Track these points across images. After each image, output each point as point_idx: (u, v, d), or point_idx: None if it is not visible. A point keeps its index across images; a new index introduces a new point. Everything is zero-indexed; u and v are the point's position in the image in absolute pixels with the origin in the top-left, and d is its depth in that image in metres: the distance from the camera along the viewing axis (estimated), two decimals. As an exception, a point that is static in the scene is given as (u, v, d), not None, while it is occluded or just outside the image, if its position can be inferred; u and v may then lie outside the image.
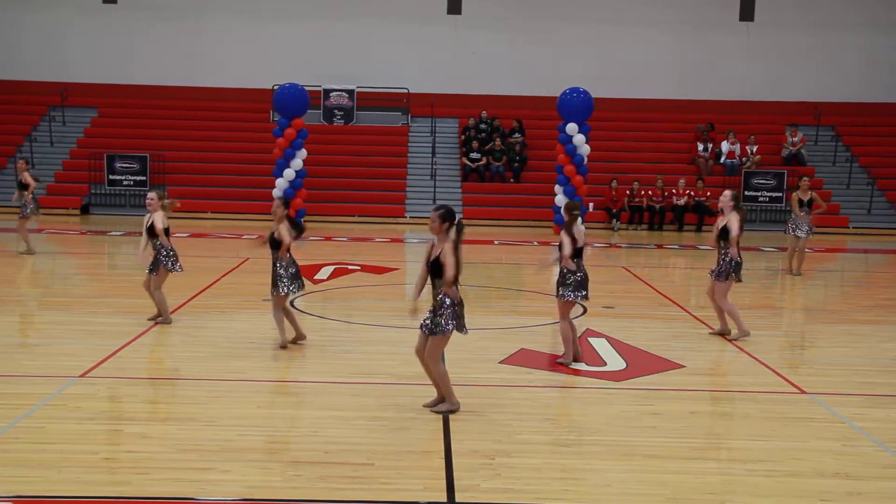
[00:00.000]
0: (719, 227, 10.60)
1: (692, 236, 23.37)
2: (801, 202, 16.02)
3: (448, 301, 7.33)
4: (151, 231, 10.63)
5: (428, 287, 7.58)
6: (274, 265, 9.74)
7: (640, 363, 9.49)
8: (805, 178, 16.52)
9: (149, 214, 10.61)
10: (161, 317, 10.77)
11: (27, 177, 16.03)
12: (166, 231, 10.66)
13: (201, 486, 5.96)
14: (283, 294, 9.66)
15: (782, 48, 29.32)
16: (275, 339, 9.80)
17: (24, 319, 11.14)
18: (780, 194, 25.41)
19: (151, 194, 10.77)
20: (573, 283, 9.30)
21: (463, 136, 27.43)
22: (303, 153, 23.43)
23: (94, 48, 29.16)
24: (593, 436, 7.19)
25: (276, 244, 9.69)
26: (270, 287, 9.75)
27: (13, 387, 8.05)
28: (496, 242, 20.49)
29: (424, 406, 7.67)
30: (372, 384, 8.43)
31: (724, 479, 6.34)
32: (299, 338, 9.84)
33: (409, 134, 28.46)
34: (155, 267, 10.62)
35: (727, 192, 10.71)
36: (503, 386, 8.53)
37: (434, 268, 7.35)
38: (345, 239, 20.42)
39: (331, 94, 28.35)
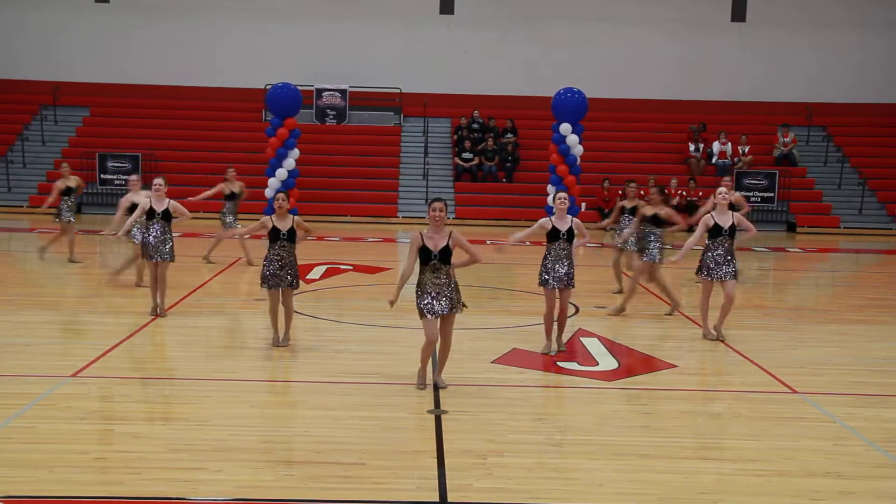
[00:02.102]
0: (728, 226, 10.50)
1: (684, 236, 23.35)
2: None
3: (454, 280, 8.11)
4: (166, 215, 11.01)
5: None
6: (293, 258, 9.57)
7: (632, 363, 9.51)
8: None
9: (144, 198, 11.19)
10: (160, 308, 11.00)
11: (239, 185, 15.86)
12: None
13: (193, 486, 5.95)
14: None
15: (774, 49, 29.37)
16: (267, 338, 9.79)
17: (15, 319, 11.10)
18: (772, 194, 25.48)
19: (159, 180, 11.00)
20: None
21: (455, 136, 27.44)
22: (295, 153, 23.39)
23: (87, 47, 29.07)
24: (585, 435, 7.20)
25: (291, 237, 9.51)
26: (296, 281, 9.58)
27: (4, 387, 8.03)
28: (488, 242, 20.47)
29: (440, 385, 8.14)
30: (364, 384, 8.43)
31: (716, 478, 6.35)
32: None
33: (402, 134, 28.45)
34: (172, 255, 11.07)
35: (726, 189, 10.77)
36: (495, 385, 8.53)
37: (444, 255, 7.96)
38: (337, 238, 20.40)
39: (323, 94, 28.33)
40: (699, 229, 10.62)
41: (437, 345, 8.18)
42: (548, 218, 9.79)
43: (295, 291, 9.69)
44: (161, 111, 28.55)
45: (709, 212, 10.71)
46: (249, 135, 26.83)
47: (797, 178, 26.36)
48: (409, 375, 8.61)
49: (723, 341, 10.51)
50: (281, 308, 9.64)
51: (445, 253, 7.97)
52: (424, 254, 7.96)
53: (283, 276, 9.44)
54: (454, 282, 8.09)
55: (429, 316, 7.97)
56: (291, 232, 9.50)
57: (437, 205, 7.98)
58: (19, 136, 27.23)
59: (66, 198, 15.48)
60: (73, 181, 15.71)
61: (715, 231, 10.42)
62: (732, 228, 10.44)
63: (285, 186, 22.94)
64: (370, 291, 13.76)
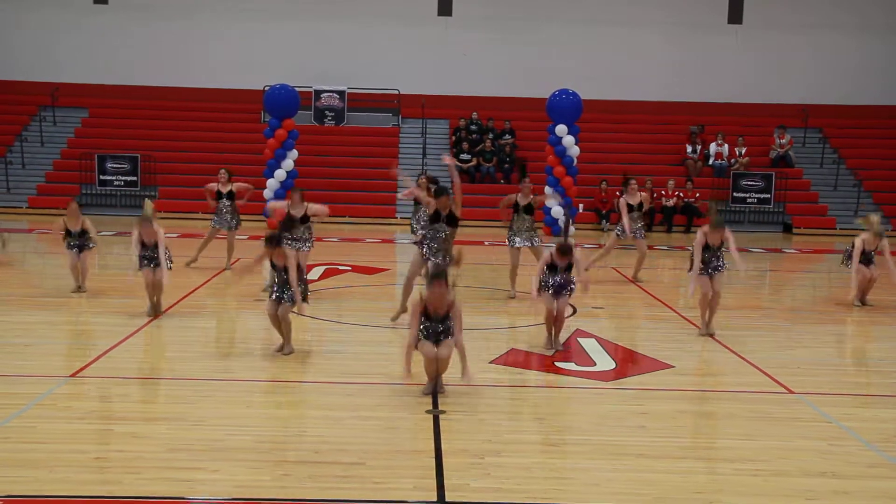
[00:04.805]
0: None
1: (681, 237, 23.43)
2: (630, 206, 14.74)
3: None
4: None
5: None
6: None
7: (630, 363, 9.53)
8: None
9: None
10: (157, 308, 11.11)
11: None
12: None
13: (191, 486, 5.96)
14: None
15: (771, 51, 29.40)
16: (265, 339, 9.80)
17: (14, 319, 11.10)
18: (769, 195, 25.52)
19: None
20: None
21: (453, 138, 27.45)
22: (294, 154, 23.41)
23: (85, 48, 29.07)
24: (582, 435, 7.21)
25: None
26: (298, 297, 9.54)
27: (4, 387, 8.04)
28: (486, 243, 20.52)
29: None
30: (362, 384, 8.43)
31: (712, 478, 6.37)
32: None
33: (400, 135, 28.46)
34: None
35: None
36: (493, 386, 8.54)
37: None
38: (336, 239, 20.40)
39: (322, 95, 28.33)
40: (696, 247, 10.71)
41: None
42: (548, 252, 9.86)
43: (293, 309, 9.56)
44: (160, 112, 28.54)
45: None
46: (248, 136, 26.82)
47: (793, 180, 26.40)
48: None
49: (712, 336, 10.65)
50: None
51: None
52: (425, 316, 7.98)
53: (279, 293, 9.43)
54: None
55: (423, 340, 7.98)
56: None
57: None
58: (18, 136, 27.21)
59: (221, 202, 15.21)
60: (226, 187, 15.32)
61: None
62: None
63: (284, 187, 22.96)
64: (369, 292, 13.77)
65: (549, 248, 10.04)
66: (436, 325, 7.94)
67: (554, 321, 9.89)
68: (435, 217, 10.69)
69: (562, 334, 10.15)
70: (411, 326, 8.00)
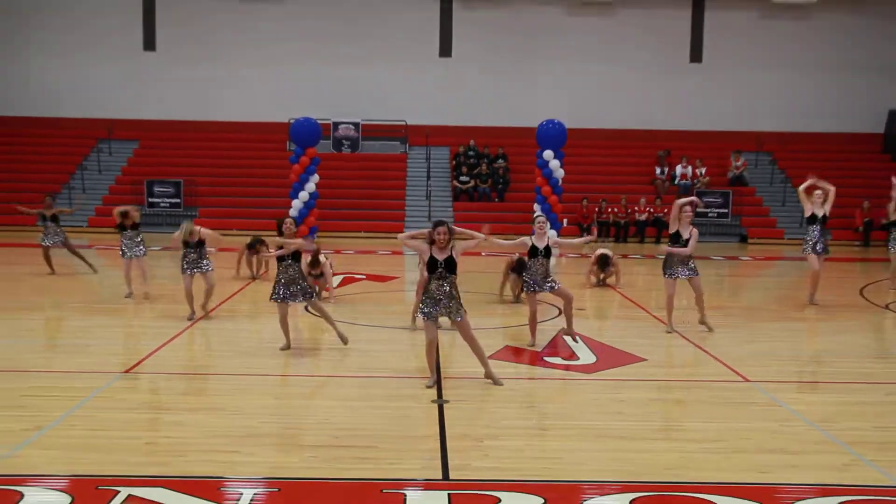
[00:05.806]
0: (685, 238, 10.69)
1: (652, 247, 23.42)
2: None
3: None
4: (200, 243, 11.25)
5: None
6: (303, 274, 9.60)
7: (609, 357, 9.51)
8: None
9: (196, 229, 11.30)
10: (203, 309, 11.24)
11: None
12: None
13: (230, 467, 5.96)
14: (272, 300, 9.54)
15: (727, 85, 29.40)
16: (292, 339, 9.79)
17: (76, 324, 11.13)
18: (727, 210, 25.52)
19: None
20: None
21: (454, 162, 27.46)
22: (315, 178, 23.42)
23: (137, 89, 29.10)
24: (568, 421, 7.20)
25: (298, 256, 9.52)
26: (308, 296, 9.54)
27: (68, 381, 8.06)
28: (483, 254, 20.52)
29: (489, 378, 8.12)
30: (375, 377, 8.43)
31: (680, 456, 6.36)
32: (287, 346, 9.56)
33: (407, 160, 28.46)
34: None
35: None
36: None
37: (449, 266, 7.95)
38: (352, 252, 20.41)
39: (339, 127, 28.35)
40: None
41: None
42: (529, 237, 9.88)
43: (321, 299, 9.65)
44: (200, 143, 28.57)
45: None
46: (276, 162, 26.84)
47: (748, 197, 26.39)
48: (415, 370, 8.62)
49: (711, 329, 10.76)
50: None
51: (451, 264, 7.98)
52: (431, 264, 7.97)
53: (293, 291, 9.42)
54: (456, 293, 8.05)
55: (423, 318, 8.00)
56: (296, 253, 9.48)
57: (441, 229, 7.94)
58: (79, 166, 27.25)
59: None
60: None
61: (675, 237, 10.64)
62: (687, 240, 10.67)
63: (307, 207, 22.97)
64: (380, 298, 13.78)
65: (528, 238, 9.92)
66: (442, 279, 7.93)
67: (563, 312, 9.95)
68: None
69: (550, 334, 10.13)
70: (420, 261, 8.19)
